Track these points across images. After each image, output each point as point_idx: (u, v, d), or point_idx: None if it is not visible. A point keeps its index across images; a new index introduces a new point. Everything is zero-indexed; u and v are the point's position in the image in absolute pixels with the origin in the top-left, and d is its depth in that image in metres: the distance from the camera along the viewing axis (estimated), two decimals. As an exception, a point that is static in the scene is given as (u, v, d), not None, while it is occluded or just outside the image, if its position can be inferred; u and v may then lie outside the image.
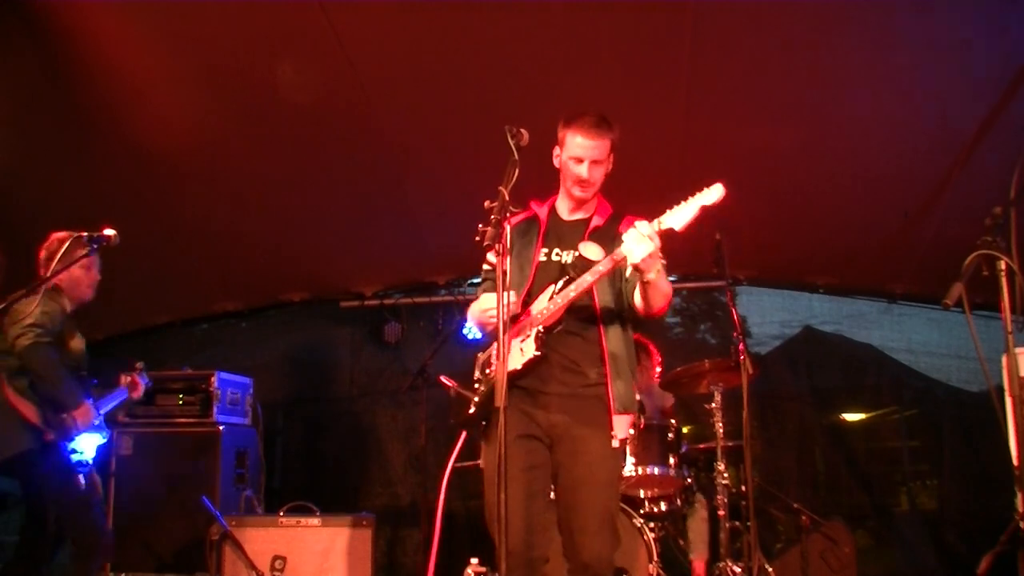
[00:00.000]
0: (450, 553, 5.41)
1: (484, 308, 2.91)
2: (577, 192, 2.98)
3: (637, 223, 2.69)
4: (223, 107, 4.56)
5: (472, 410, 2.94)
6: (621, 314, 2.96)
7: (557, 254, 3.00)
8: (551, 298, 2.86)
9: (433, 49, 4.16)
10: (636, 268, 2.72)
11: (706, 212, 2.70)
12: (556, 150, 3.00)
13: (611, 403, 2.88)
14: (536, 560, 2.79)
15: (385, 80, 4.37)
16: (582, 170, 2.91)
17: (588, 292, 2.86)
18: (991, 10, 3.75)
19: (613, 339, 2.93)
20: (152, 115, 4.52)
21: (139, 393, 4.49)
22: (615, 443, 2.86)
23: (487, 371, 2.97)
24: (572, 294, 2.81)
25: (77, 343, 4.02)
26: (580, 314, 2.90)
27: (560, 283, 2.87)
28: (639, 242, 2.65)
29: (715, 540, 4.61)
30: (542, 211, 3.09)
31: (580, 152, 2.91)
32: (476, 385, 2.98)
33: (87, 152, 4.67)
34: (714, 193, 2.70)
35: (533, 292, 2.94)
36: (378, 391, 6.59)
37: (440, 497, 3.04)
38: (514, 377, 2.80)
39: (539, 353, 2.79)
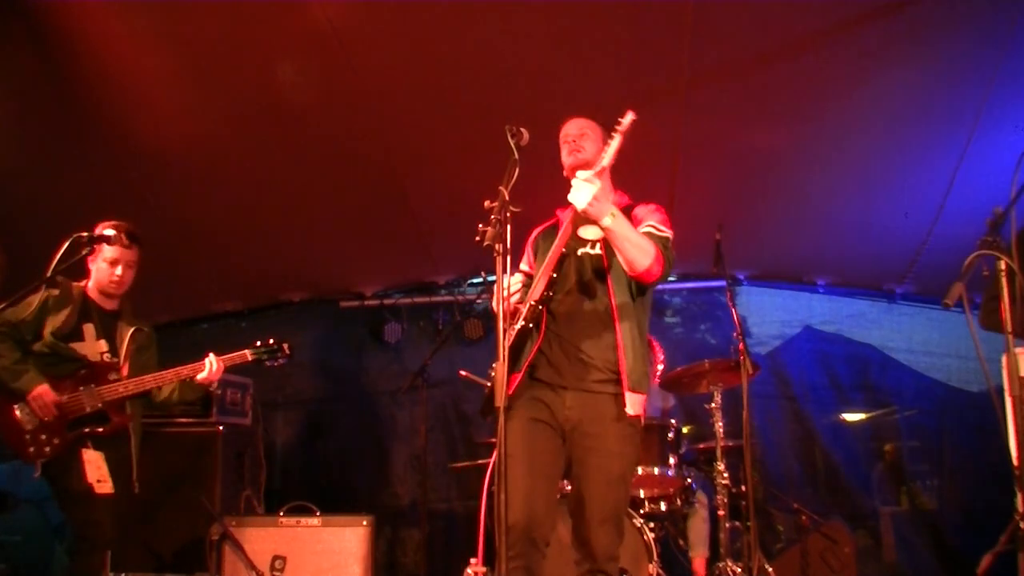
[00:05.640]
0: (450, 553, 5.40)
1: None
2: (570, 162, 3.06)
3: (578, 172, 2.84)
4: (223, 107, 4.56)
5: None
6: (636, 310, 2.99)
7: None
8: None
9: (433, 49, 4.16)
10: (589, 217, 2.80)
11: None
12: None
13: (624, 379, 2.91)
14: (538, 540, 2.81)
15: (385, 80, 4.37)
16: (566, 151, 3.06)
17: (605, 288, 2.95)
18: (993, 8, 3.75)
19: (627, 333, 2.95)
20: (152, 115, 4.53)
21: None
22: (630, 410, 2.90)
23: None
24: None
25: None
26: (595, 309, 2.95)
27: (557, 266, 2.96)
28: (580, 187, 2.77)
29: (715, 540, 4.61)
30: (565, 215, 3.11)
31: (563, 136, 3.07)
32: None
33: (87, 152, 4.66)
34: (625, 120, 2.81)
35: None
36: (378, 391, 6.58)
37: (482, 498, 3.09)
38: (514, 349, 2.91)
39: (525, 323, 2.89)
